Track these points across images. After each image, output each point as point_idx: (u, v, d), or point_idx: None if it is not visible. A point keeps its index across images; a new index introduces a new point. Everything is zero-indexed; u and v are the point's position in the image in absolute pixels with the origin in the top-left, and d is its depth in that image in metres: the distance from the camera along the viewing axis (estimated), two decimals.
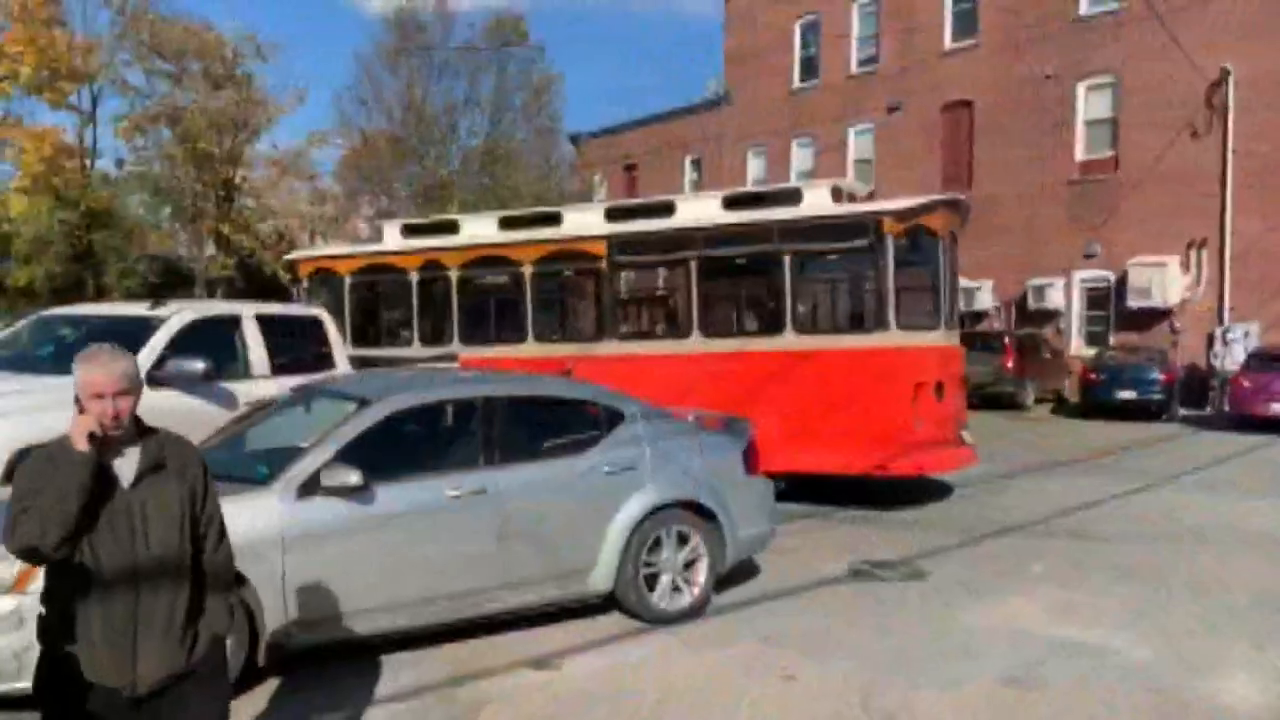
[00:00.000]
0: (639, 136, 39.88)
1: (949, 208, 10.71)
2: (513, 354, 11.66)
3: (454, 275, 12.15)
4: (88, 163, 33.11)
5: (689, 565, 6.62)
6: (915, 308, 10.63)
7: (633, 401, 6.69)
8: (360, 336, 12.88)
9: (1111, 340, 24.34)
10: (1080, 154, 25.77)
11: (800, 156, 33.00)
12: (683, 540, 6.59)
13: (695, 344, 10.85)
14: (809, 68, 33.02)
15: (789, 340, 10.40)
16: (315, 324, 9.16)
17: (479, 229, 12.44)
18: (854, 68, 31.43)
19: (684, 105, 38.19)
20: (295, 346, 8.85)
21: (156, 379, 7.38)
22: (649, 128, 39.64)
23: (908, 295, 10.58)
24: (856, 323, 10.89)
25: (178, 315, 7.97)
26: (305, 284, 13.22)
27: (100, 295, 31.39)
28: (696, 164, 37.48)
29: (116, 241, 31.94)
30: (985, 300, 26.66)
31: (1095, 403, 20.56)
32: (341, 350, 9.25)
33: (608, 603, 6.43)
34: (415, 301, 12.45)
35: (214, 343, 8.10)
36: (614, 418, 6.47)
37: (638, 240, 11.17)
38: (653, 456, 6.45)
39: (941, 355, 10.51)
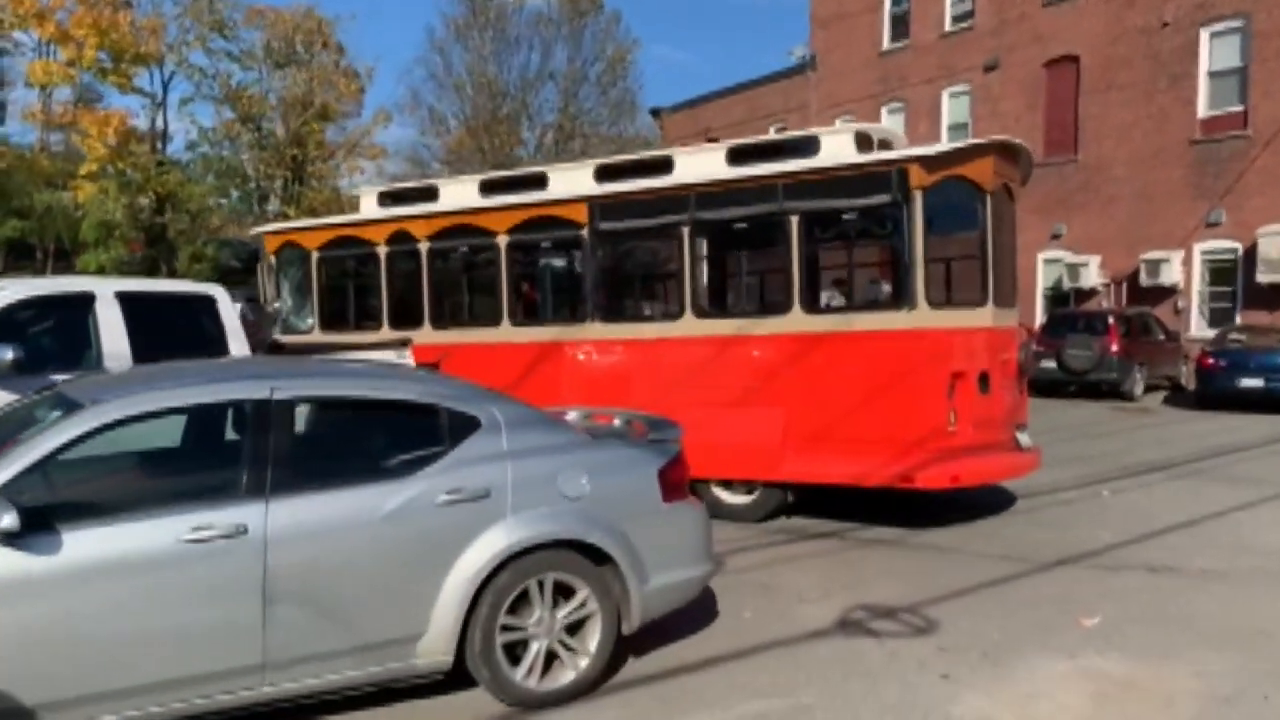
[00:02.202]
0: (722, 107, 37.84)
1: (1001, 154, 8.59)
2: (487, 339, 10.09)
3: (424, 248, 10.61)
4: (159, 146, 32.91)
5: (575, 628, 4.87)
6: (954, 280, 8.59)
7: (500, 403, 4.95)
8: (329, 319, 11.54)
9: (1238, 320, 21.42)
10: (1203, 110, 22.81)
11: (890, 123, 30.46)
12: (564, 593, 4.84)
13: (688, 326, 9.03)
14: (899, 27, 30.52)
15: (797, 321, 8.48)
16: (206, 303, 7.71)
17: (459, 195, 10.84)
18: (948, 24, 28.85)
19: (767, 74, 36.01)
20: (175, 331, 7.43)
21: None
22: (732, 98, 37.59)
23: (943, 265, 8.56)
24: (878, 299, 8.89)
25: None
26: (272, 261, 11.85)
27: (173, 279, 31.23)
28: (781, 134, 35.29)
29: (184, 225, 31.64)
30: (1092, 277, 23.96)
31: (1214, 392, 17.83)
32: (240, 336, 7.76)
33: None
34: (384, 279, 10.96)
35: (54, 327, 6.78)
36: (463, 426, 4.74)
37: (622, 203, 9.38)
38: (518, 479, 4.70)
39: (989, 339, 8.43)
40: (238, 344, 7.75)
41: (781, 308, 8.61)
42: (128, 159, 30.30)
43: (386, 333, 10.48)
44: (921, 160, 7.95)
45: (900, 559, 7.69)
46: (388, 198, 11.56)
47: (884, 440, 8.08)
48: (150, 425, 4.22)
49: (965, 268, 8.56)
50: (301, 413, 4.45)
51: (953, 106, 28.77)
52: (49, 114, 31.29)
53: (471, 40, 34.49)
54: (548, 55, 35.00)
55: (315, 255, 11.53)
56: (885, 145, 9.11)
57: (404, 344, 9.11)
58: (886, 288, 8.85)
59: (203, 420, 4.50)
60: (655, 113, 39.89)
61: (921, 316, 8.00)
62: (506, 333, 10.01)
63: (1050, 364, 19.28)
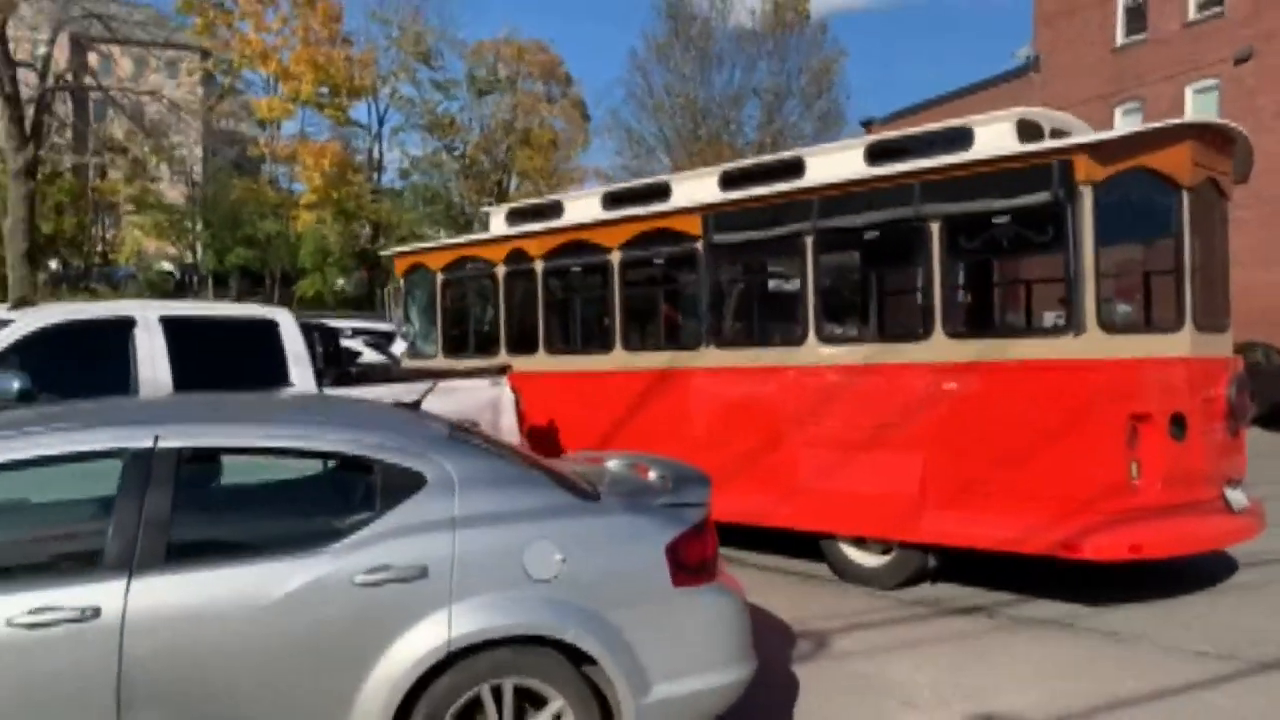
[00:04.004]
0: (938, 115, 35.26)
1: (1203, 140, 6.84)
2: (598, 367, 9.24)
3: (539, 267, 9.88)
4: (374, 176, 34.35)
5: None
6: (1140, 298, 6.91)
7: (459, 456, 3.94)
8: (451, 343, 11.02)
9: None
10: None
11: (1125, 124, 27.49)
12: (534, 703, 3.77)
13: (811, 353, 7.76)
14: (1135, 19, 27.57)
15: (939, 348, 7.05)
16: (265, 329, 7.16)
17: (582, 210, 10.04)
18: (1192, 13, 25.77)
19: (987, 78, 33.52)
20: (227, 359, 6.93)
21: None
22: (949, 105, 35.12)
23: (1125, 279, 6.89)
24: (1038, 322, 7.29)
25: (23, 320, 6.20)
26: (401, 284, 11.50)
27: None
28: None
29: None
30: None
31: None
32: (305, 363, 7.17)
33: None
34: (502, 300, 10.34)
35: (88, 354, 6.35)
36: (402, 485, 3.76)
37: (739, 212, 8.24)
38: (467, 554, 3.68)
39: (1186, 372, 6.69)
40: (301, 372, 7.16)
41: (921, 332, 7.19)
42: (343, 189, 31.63)
43: (502, 357, 9.83)
44: (1090, 149, 6.37)
45: (1060, 649, 6.09)
46: (515, 215, 10.94)
47: (1045, 497, 6.52)
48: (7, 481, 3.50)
49: (1155, 283, 6.87)
50: (193, 467, 3.62)
51: (1198, 103, 25.59)
52: (273, 147, 33.24)
53: (673, 59, 33.94)
54: (750, 71, 33.99)
55: (439, 277, 11.05)
56: (1060, 135, 7.51)
57: (500, 372, 8.33)
58: (1056, 315, 7.28)
59: (65, 476, 3.73)
60: (867, 124, 38.05)
61: (1092, 343, 6.39)
62: (618, 360, 9.11)
63: None
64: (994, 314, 7.87)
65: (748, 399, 8.15)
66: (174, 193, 38.21)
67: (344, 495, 3.87)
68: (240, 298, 34.71)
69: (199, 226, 36.83)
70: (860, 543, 7.61)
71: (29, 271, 25.03)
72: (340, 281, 33.72)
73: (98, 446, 3.58)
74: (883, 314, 7.93)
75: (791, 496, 7.73)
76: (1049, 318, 7.73)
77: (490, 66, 31.77)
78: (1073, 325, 6.45)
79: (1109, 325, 6.48)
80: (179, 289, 38.14)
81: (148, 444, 3.58)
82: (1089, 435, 6.38)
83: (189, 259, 38.30)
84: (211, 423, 3.88)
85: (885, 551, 7.50)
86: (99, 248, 37.91)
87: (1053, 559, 6.71)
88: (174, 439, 3.62)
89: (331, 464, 3.88)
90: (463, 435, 4.26)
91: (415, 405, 5.04)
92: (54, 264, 34.32)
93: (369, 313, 20.91)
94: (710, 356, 8.44)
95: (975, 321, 7.62)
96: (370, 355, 13.99)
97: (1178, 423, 6.53)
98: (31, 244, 25.65)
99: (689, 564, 3.98)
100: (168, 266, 38.00)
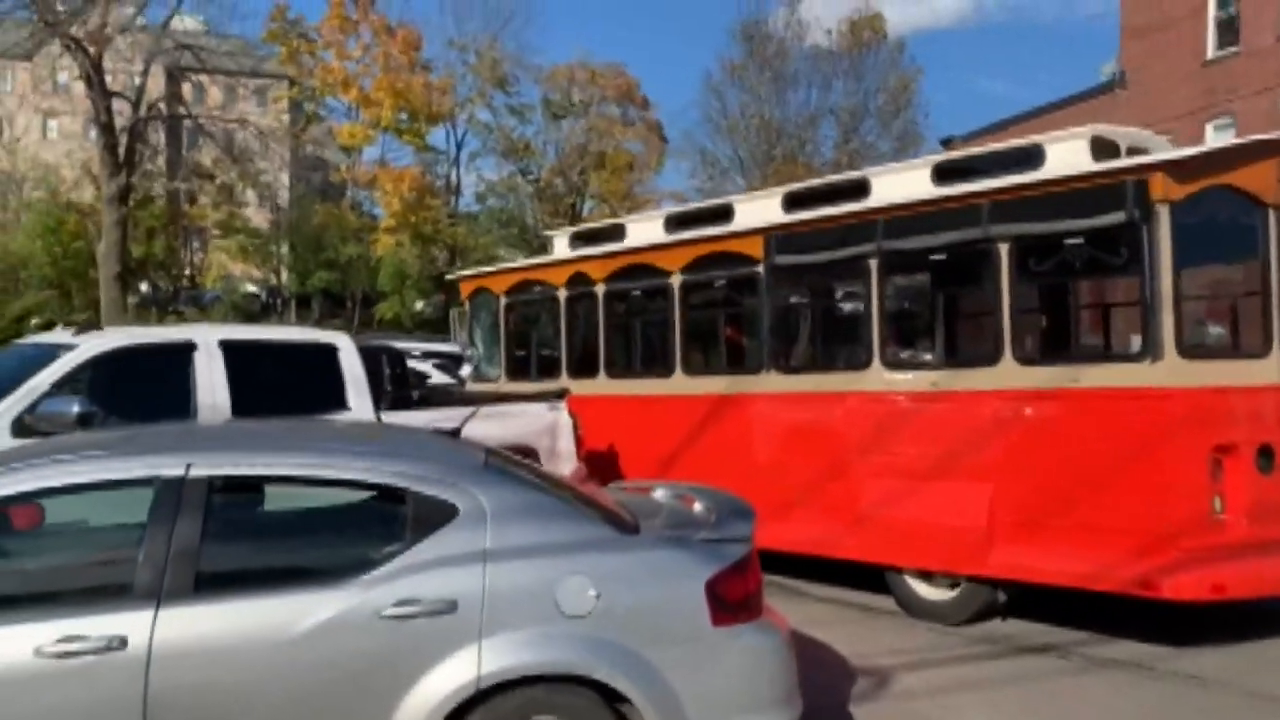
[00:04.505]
0: (1019, 132, 34.33)
1: None
2: (659, 390, 9.19)
3: (600, 291, 9.88)
4: (452, 200, 34.89)
5: None
6: (1223, 323, 6.57)
7: (492, 486, 3.86)
8: (514, 367, 11.07)
9: None
10: None
11: (1217, 140, 26.57)
12: None
13: (876, 379, 7.56)
14: (1227, 32, 26.65)
15: (1008, 374, 6.78)
16: (324, 353, 7.20)
17: (644, 233, 10.00)
18: None
19: (1071, 94, 32.74)
20: (286, 383, 6.99)
21: (30, 425, 5.79)
22: (1031, 122, 34.33)
23: (1208, 302, 6.56)
24: (1113, 347, 6.99)
25: (86, 345, 6.31)
26: (467, 307, 11.62)
27: None
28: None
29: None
30: None
31: None
32: (363, 388, 7.20)
33: None
34: (563, 324, 10.36)
35: (149, 379, 6.45)
36: (433, 516, 3.70)
37: (801, 234, 8.11)
38: (498, 589, 3.59)
39: (1277, 400, 6.33)
40: (360, 397, 7.18)
41: (989, 357, 6.93)
42: (421, 213, 32.13)
43: (564, 380, 9.78)
44: (1168, 167, 6.07)
45: (1137, 693, 5.77)
46: (578, 239, 11.01)
47: (1121, 531, 6.20)
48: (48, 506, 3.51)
49: (1240, 306, 6.53)
50: (224, 496, 3.60)
51: None
52: (354, 173, 33.97)
53: (748, 80, 33.84)
54: (826, 90, 33.74)
55: (503, 300, 11.13)
56: (1138, 153, 7.20)
57: (558, 396, 8.29)
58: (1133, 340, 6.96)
59: (96, 504, 3.73)
60: (946, 142, 37.41)
61: (1171, 370, 6.07)
62: (678, 384, 9.05)
63: None
64: (1067, 339, 7.56)
65: (810, 425, 7.99)
66: (259, 217, 39.33)
67: (374, 526, 3.83)
68: (322, 320, 35.43)
69: (283, 250, 37.82)
70: (926, 576, 7.36)
71: (120, 294, 25.89)
72: (419, 304, 34.27)
73: (129, 474, 3.58)
74: (950, 338, 7.67)
75: (855, 527, 7.53)
76: (1125, 343, 7.42)
77: (565, 91, 32.09)
78: (1150, 351, 6.14)
79: (1189, 351, 6.15)
80: (264, 311, 39.13)
81: (179, 472, 3.56)
82: (1169, 467, 6.05)
83: (273, 281, 39.33)
84: (245, 451, 3.87)
85: (952, 586, 7.22)
86: (187, 271, 39.14)
87: (1129, 597, 6.37)
88: (206, 467, 3.60)
89: (363, 494, 3.83)
90: (499, 464, 4.18)
91: (455, 432, 4.96)
92: (144, 287, 35.50)
93: (444, 335, 21.14)
94: (772, 381, 8.29)
95: (1047, 347, 7.31)
96: (438, 377, 14.12)
97: (1265, 454, 6.18)
98: (123, 267, 26.54)
99: (730, 602, 3.83)
100: (253, 289, 39.07)
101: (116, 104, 26.76)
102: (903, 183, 7.86)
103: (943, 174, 7.68)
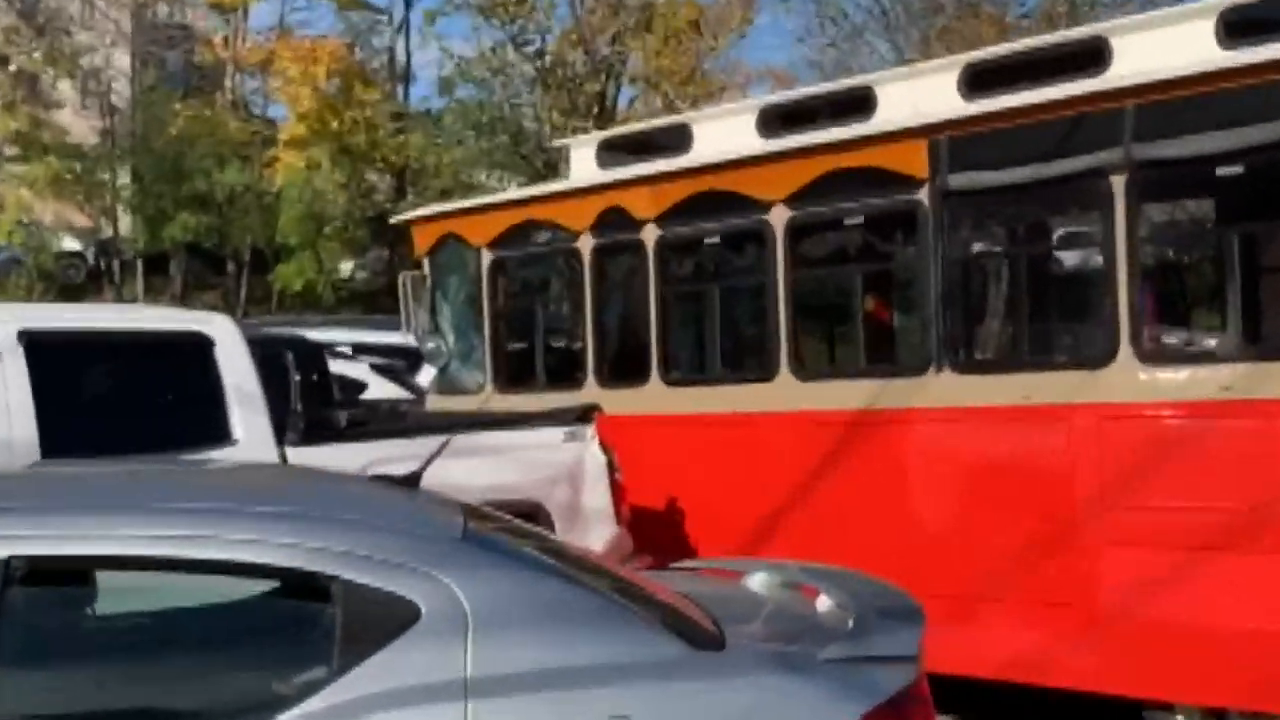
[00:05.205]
0: None
1: None
2: (752, 403, 9.26)
3: (650, 238, 9.93)
4: (396, 91, 35.32)
5: None
6: None
7: (476, 562, 3.93)
8: (508, 371, 11.24)
9: None
10: None
11: None
12: None
13: (1127, 379, 7.62)
14: None
15: None
16: (192, 351, 7.41)
17: (724, 137, 10.05)
18: None
19: None
20: (130, 399, 7.32)
21: None
22: None
23: None
24: None
25: None
26: (426, 270, 11.85)
27: None
28: None
29: None
30: None
31: None
32: (257, 406, 7.37)
33: None
34: (588, 295, 10.44)
35: None
36: (381, 618, 3.70)
37: (995, 135, 8.15)
38: None
39: None
40: (251, 422, 7.31)
41: None
42: (348, 113, 32.44)
43: (588, 391, 10.00)
44: None
45: None
46: (612, 150, 11.16)
47: None
48: None
49: None
50: (24, 592, 3.64)
51: None
52: (237, 50, 34.46)
53: None
54: None
55: (487, 257, 11.22)
56: None
57: (582, 418, 8.36)
58: None
59: None
60: None
61: None
62: (784, 394, 9.13)
63: None
64: None
65: (1008, 462, 8.04)
66: (83, 126, 39.82)
67: (278, 640, 3.85)
68: (187, 293, 35.88)
69: (122, 179, 38.26)
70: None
71: None
72: (345, 265, 34.65)
73: None
74: (1255, 311, 7.68)
75: (1089, 635, 7.56)
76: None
77: None
78: None
79: None
80: (91, 281, 39.64)
81: None
82: None
83: (107, 231, 39.74)
84: (60, 515, 3.91)
85: None
86: None
87: None
88: (24, 546, 3.64)
89: (259, 586, 3.84)
90: (487, 533, 4.21)
91: (413, 479, 4.99)
92: None
93: (388, 317, 21.34)
94: (944, 386, 8.30)
95: None
96: (381, 388, 14.22)
97: None
98: None
99: None
100: (73, 245, 39.50)
101: None
102: (1164, 45, 7.95)
103: (1233, 29, 7.72)
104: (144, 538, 3.85)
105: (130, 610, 4.10)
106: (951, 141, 8.25)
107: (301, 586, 3.79)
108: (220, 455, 7.00)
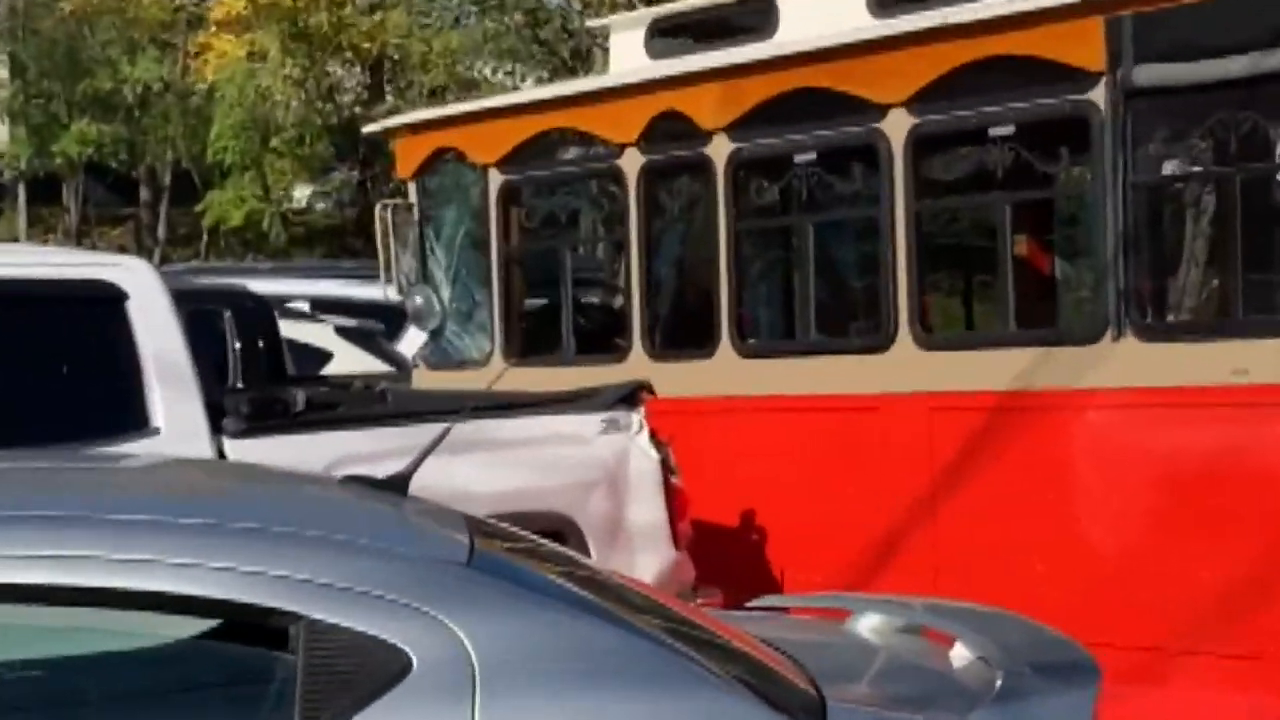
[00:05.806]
0: None
1: None
2: (855, 382, 9.44)
3: (719, 154, 10.06)
4: None
5: None
6: None
7: (485, 596, 3.98)
8: (526, 330, 11.48)
9: None
10: None
11: None
12: None
13: None
14: None
15: None
16: (97, 307, 7.53)
17: (821, 17, 10.10)
18: None
19: None
20: (13, 368, 7.44)
21: None
22: None
23: None
24: None
25: None
26: (412, 197, 11.97)
27: None
28: None
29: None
30: None
31: None
32: (187, 382, 7.50)
33: None
34: (634, 231, 10.59)
35: None
36: (359, 670, 3.78)
37: (1202, 7, 8.25)
38: None
39: None
40: (170, 387, 7.46)
41: None
42: None
43: (634, 362, 10.22)
44: None
45: None
46: (666, 34, 11.34)
47: None
48: None
49: None
50: None
51: None
52: None
53: None
54: None
55: (494, 180, 11.37)
56: None
57: (628, 400, 8.43)
58: None
59: None
60: None
61: None
62: (903, 367, 9.26)
63: None
64: None
65: (1217, 463, 8.13)
66: None
67: (223, 699, 3.95)
68: (88, 228, 36.27)
69: None
70: None
71: None
72: (302, 192, 34.95)
73: None
74: None
75: None
76: None
77: None
78: None
79: None
80: None
81: None
82: None
83: None
84: None
85: None
86: None
87: None
88: None
89: (196, 626, 3.92)
90: (500, 557, 4.27)
91: (400, 483, 5.07)
92: None
93: (362, 264, 21.60)
94: (1126, 359, 8.42)
95: None
96: (351, 357, 14.38)
97: None
98: None
99: None
100: None
101: None
102: None
103: None
104: (23, 559, 3.93)
105: (23, 663, 4.18)
106: (1139, 21, 8.32)
107: (249, 628, 3.86)
108: (136, 448, 7.08)
